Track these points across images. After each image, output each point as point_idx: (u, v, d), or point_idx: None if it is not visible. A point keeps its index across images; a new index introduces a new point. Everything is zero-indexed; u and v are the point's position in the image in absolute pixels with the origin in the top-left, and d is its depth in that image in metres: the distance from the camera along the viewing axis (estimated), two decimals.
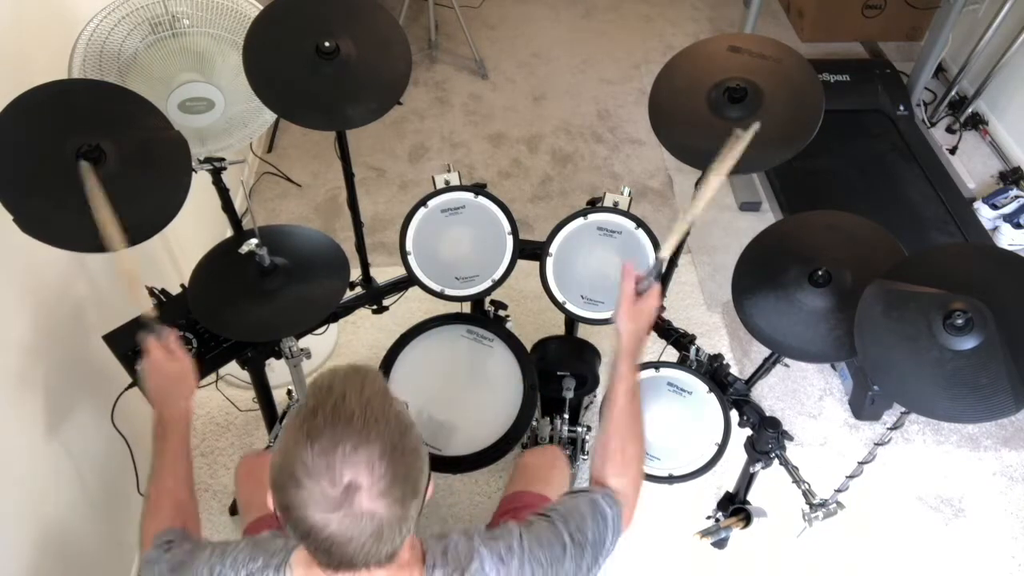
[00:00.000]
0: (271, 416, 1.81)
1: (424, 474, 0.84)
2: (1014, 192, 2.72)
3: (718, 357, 1.50)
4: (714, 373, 1.49)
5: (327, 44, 1.31)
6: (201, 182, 1.39)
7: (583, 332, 1.91)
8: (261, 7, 1.39)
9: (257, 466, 1.47)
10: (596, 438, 1.13)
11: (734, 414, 1.48)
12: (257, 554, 0.94)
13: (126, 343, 1.40)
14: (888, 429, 1.28)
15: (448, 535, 0.97)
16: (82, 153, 1.14)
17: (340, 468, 0.76)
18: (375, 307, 1.77)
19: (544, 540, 0.97)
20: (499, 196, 1.55)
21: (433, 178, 1.55)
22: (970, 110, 3.14)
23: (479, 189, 1.55)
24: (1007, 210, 2.67)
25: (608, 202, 1.51)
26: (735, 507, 1.68)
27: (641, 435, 1.15)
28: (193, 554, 0.98)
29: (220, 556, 0.96)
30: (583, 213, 1.50)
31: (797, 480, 1.49)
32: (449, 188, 1.54)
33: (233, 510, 1.92)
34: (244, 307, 1.43)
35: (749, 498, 1.69)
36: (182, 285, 1.48)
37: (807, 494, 1.48)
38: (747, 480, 1.64)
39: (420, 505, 0.84)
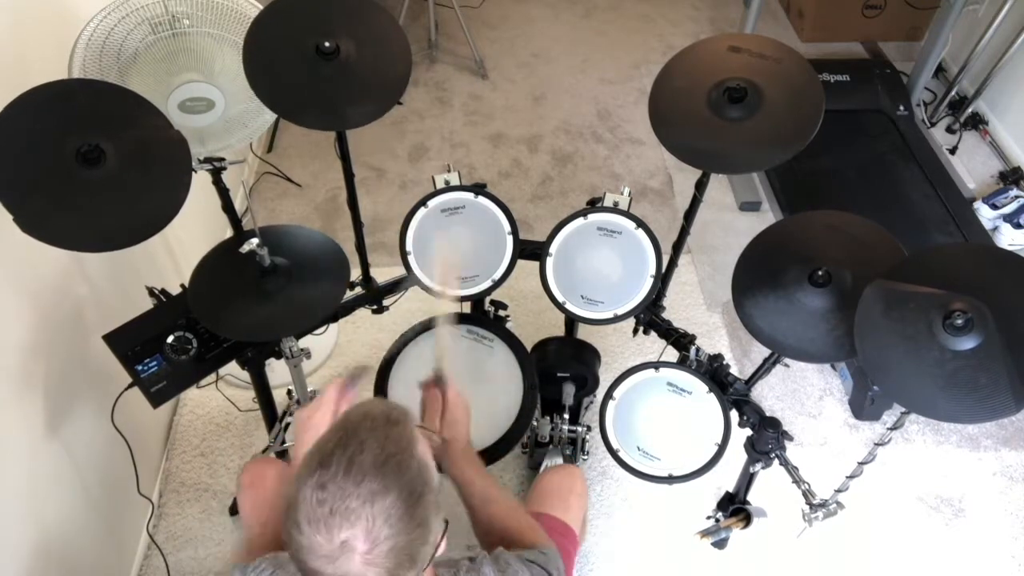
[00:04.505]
0: (271, 416, 1.80)
1: (430, 544, 0.84)
2: (1014, 192, 2.72)
3: (718, 357, 1.50)
4: (714, 373, 1.49)
5: (327, 44, 1.31)
6: (201, 182, 1.39)
7: (583, 332, 1.91)
8: (261, 7, 1.39)
9: (259, 477, 1.44)
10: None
11: (734, 414, 1.48)
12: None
13: (126, 343, 1.40)
14: (888, 429, 1.28)
15: (458, 562, 1.00)
16: (82, 153, 1.14)
17: (339, 527, 0.77)
18: (375, 307, 1.77)
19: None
20: (499, 196, 1.55)
21: (433, 178, 1.55)
22: (970, 110, 3.14)
23: (479, 189, 1.55)
24: (1007, 210, 2.67)
25: (608, 202, 1.51)
26: (735, 507, 1.69)
27: (521, 514, 1.19)
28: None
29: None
30: (583, 213, 1.50)
31: (797, 480, 1.49)
32: (449, 188, 1.54)
33: (233, 510, 1.92)
34: (244, 307, 1.43)
35: (749, 498, 1.69)
36: (182, 285, 1.48)
37: (807, 494, 1.48)
38: (747, 480, 1.64)
39: (422, 569, 0.84)
